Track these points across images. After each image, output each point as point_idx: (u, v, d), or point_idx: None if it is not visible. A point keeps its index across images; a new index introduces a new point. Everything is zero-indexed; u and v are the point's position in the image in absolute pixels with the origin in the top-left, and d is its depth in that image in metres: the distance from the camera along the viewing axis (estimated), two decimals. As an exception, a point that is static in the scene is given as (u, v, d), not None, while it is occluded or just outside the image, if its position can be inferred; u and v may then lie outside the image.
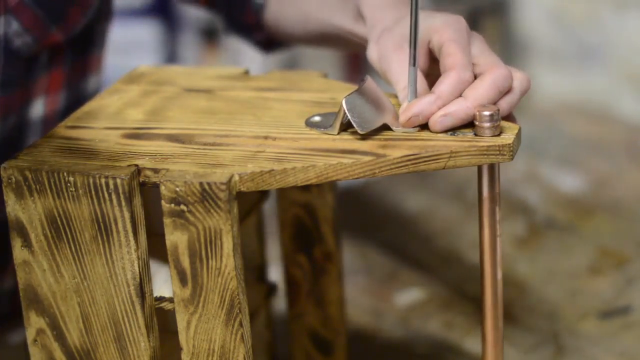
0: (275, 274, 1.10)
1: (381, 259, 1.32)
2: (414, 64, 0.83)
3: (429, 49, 0.87)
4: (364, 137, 0.82)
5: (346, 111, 0.82)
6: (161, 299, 0.83)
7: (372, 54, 0.91)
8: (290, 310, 1.03)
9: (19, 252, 0.82)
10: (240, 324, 0.80)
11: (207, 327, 0.81)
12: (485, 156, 0.80)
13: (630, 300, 1.20)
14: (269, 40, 1.14)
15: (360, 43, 0.97)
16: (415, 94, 0.84)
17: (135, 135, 0.86)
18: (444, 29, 0.85)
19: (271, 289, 1.01)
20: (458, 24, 0.86)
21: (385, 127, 0.83)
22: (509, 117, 0.85)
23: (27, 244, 0.81)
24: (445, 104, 0.82)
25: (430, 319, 1.19)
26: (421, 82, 0.85)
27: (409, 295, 1.24)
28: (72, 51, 1.09)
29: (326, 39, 1.04)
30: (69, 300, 0.82)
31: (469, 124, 0.82)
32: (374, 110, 0.84)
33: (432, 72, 0.88)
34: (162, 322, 0.85)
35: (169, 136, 0.85)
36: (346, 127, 0.84)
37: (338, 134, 0.83)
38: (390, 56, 0.87)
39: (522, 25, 1.84)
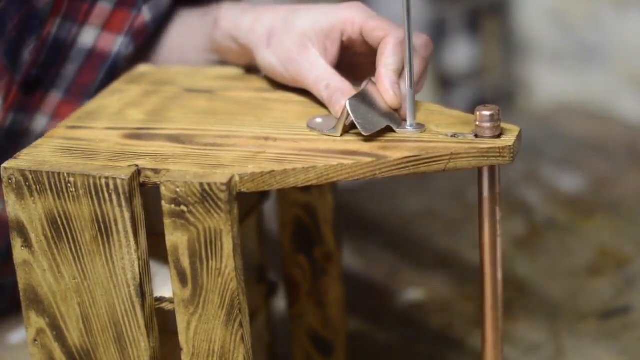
0: (275, 274, 1.10)
1: (381, 259, 1.32)
2: (411, 86, 0.84)
3: (342, 41, 0.90)
4: (365, 138, 0.82)
5: (350, 113, 0.82)
6: (161, 299, 0.83)
7: (268, 58, 0.91)
8: (290, 310, 1.03)
9: (19, 252, 0.82)
10: (240, 325, 0.80)
11: (207, 328, 0.81)
12: (486, 158, 0.80)
13: (630, 300, 1.20)
14: None
15: (227, 55, 0.98)
16: (414, 114, 0.84)
17: (136, 135, 0.86)
18: (354, 17, 0.89)
19: (271, 289, 1.02)
20: (360, 6, 0.90)
21: (388, 129, 0.83)
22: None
23: (27, 244, 0.81)
24: (399, 68, 0.85)
25: (430, 319, 1.19)
26: (339, 78, 0.88)
27: (409, 295, 1.24)
28: None
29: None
30: (69, 301, 0.82)
31: (469, 125, 0.82)
32: (377, 112, 0.84)
33: (343, 62, 0.91)
34: (162, 322, 0.85)
35: (170, 136, 0.85)
36: (349, 128, 0.84)
37: (341, 135, 0.83)
38: (297, 58, 0.89)
39: (522, 25, 1.84)
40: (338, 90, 0.86)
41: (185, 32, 1.04)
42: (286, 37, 0.90)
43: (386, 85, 0.85)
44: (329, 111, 0.87)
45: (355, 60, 0.92)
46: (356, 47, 0.90)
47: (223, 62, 1.00)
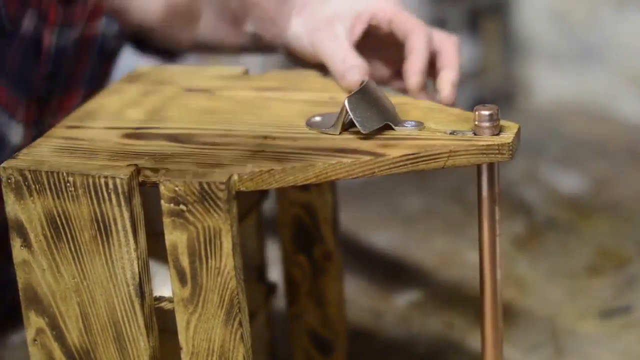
0: (275, 274, 1.10)
1: (381, 259, 1.32)
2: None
3: (370, 25, 0.94)
4: (364, 136, 0.82)
5: (349, 111, 0.82)
6: (161, 298, 0.83)
7: (295, 26, 0.95)
8: (290, 310, 1.03)
9: (18, 251, 0.82)
10: (240, 324, 0.80)
11: (207, 327, 0.81)
12: (485, 155, 0.80)
13: (630, 300, 1.20)
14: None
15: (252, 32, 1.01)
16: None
17: (135, 135, 0.86)
18: (386, 7, 0.94)
19: (271, 288, 1.01)
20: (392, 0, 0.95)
21: (387, 127, 0.83)
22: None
23: (26, 243, 0.81)
24: (425, 56, 0.91)
25: (430, 319, 1.19)
26: (358, 57, 0.92)
27: (409, 295, 1.24)
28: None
29: (216, 47, 1.07)
30: (69, 300, 0.82)
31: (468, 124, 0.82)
32: (376, 110, 0.84)
33: (366, 45, 0.95)
34: (162, 321, 0.85)
35: (169, 136, 0.85)
36: (348, 127, 0.84)
37: (340, 133, 0.83)
38: (323, 29, 0.93)
39: (522, 25, 1.84)
40: (355, 67, 0.90)
41: (219, 9, 1.05)
42: (318, 10, 0.94)
43: (416, 67, 0.90)
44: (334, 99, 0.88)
45: (374, 45, 0.96)
46: (380, 33, 0.94)
47: (254, 37, 1.02)
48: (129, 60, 1.16)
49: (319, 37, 0.93)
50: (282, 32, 0.96)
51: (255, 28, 1.00)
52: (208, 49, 1.08)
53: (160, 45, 1.11)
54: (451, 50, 0.93)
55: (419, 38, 0.91)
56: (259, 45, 1.02)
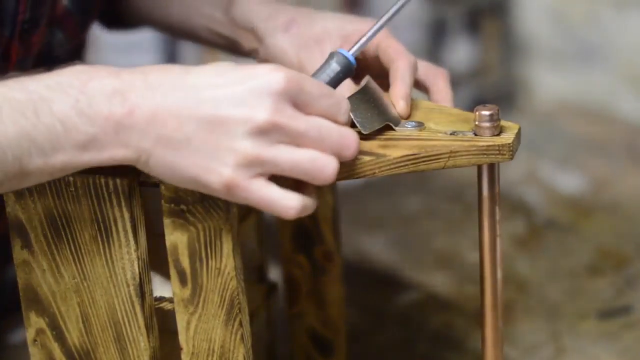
0: (275, 274, 1.10)
1: (381, 259, 1.32)
2: None
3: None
4: (365, 137, 0.82)
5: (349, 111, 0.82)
6: (161, 299, 0.83)
7: (281, 43, 0.95)
8: (290, 310, 1.03)
9: (18, 252, 0.82)
10: (240, 324, 0.80)
11: (207, 327, 0.81)
12: (485, 156, 0.80)
13: (630, 300, 1.20)
14: (116, 18, 1.13)
15: (225, 36, 1.00)
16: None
17: (135, 135, 0.86)
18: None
19: (271, 288, 1.01)
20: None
21: (387, 127, 0.83)
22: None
23: (26, 244, 0.81)
24: (409, 83, 0.89)
25: (430, 319, 1.19)
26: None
27: (409, 295, 1.24)
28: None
29: (186, 33, 1.05)
30: (69, 301, 0.82)
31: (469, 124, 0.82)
32: (377, 110, 0.83)
33: None
34: (162, 321, 0.85)
35: (169, 136, 0.85)
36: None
37: (339, 134, 0.83)
38: (313, 47, 0.93)
39: (522, 25, 1.84)
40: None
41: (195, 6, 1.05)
42: (307, 28, 0.94)
43: (402, 92, 0.87)
44: None
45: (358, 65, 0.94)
46: (365, 56, 0.93)
47: (229, 42, 1.01)
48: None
49: (309, 56, 0.93)
50: (264, 47, 0.96)
51: (237, 36, 0.99)
52: (179, 35, 1.08)
53: (129, 21, 1.11)
54: (442, 85, 0.93)
55: (402, 65, 0.90)
56: (235, 50, 1.01)
